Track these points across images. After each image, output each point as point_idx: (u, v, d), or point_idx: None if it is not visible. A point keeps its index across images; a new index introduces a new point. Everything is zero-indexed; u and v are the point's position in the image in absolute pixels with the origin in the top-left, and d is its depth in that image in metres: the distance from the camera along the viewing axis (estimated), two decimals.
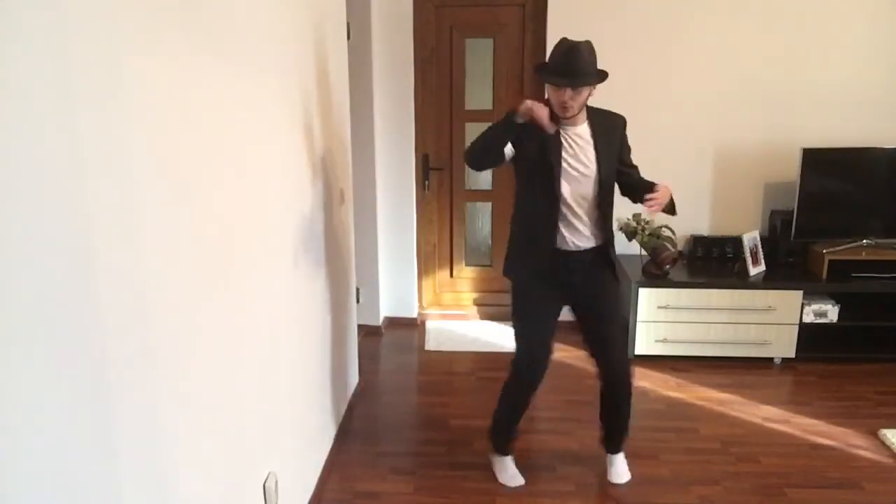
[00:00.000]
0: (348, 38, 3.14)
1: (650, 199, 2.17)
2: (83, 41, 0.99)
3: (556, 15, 3.74)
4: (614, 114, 2.32)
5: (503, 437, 2.57)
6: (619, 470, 2.55)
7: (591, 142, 2.23)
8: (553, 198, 2.23)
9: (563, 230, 2.26)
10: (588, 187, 2.23)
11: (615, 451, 2.56)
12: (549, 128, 2.12)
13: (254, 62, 1.74)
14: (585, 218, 2.27)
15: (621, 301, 2.36)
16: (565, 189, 2.22)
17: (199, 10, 1.39)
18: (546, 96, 2.20)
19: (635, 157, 2.39)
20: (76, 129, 0.97)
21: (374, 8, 3.72)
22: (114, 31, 1.06)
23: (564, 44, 2.10)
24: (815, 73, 3.73)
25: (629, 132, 2.33)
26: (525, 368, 2.41)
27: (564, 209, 2.24)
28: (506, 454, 2.58)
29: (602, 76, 2.14)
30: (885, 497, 2.44)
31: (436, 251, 4.30)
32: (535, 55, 3.87)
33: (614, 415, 2.49)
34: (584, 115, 2.22)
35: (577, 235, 2.28)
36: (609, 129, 2.28)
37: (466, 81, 4.01)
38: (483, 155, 2.23)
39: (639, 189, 2.28)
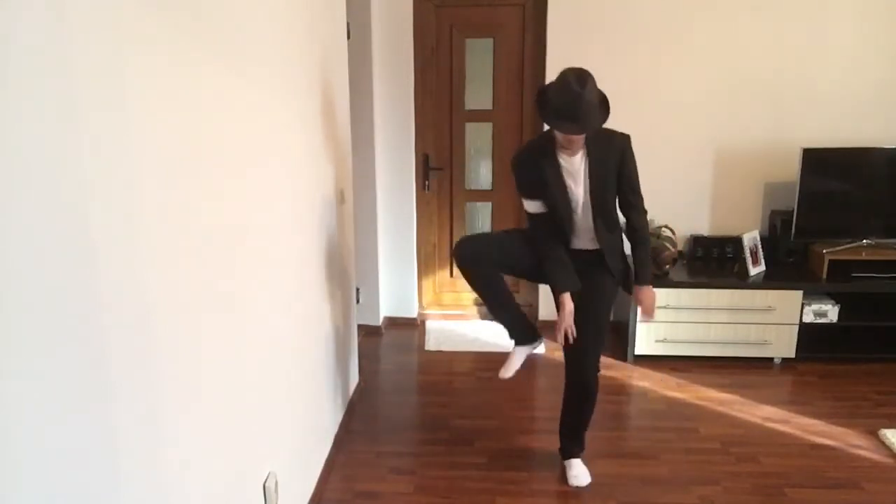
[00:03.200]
0: (348, 38, 3.14)
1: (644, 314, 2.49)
2: (85, 42, 0.98)
3: (556, 15, 3.74)
4: (615, 134, 2.29)
5: (502, 323, 2.54)
6: (578, 472, 2.54)
7: (585, 166, 2.28)
8: (567, 225, 2.37)
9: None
10: (579, 208, 2.34)
11: (576, 454, 2.58)
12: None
13: (253, 63, 1.74)
14: (581, 232, 2.39)
15: (604, 303, 2.41)
16: (573, 215, 2.35)
17: (200, 11, 1.39)
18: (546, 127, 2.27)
19: (636, 159, 2.38)
20: (78, 129, 0.97)
21: (374, 8, 3.73)
22: (116, 34, 1.06)
23: (570, 88, 2.05)
24: (816, 73, 3.74)
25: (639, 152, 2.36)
26: (461, 245, 2.41)
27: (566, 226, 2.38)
28: (515, 341, 2.53)
29: (606, 110, 2.15)
30: (885, 497, 2.44)
31: (436, 251, 4.30)
32: (536, 55, 3.87)
33: (576, 414, 2.52)
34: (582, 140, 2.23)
35: (575, 241, 2.42)
36: (605, 151, 2.28)
37: (466, 81, 4.01)
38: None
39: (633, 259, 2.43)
